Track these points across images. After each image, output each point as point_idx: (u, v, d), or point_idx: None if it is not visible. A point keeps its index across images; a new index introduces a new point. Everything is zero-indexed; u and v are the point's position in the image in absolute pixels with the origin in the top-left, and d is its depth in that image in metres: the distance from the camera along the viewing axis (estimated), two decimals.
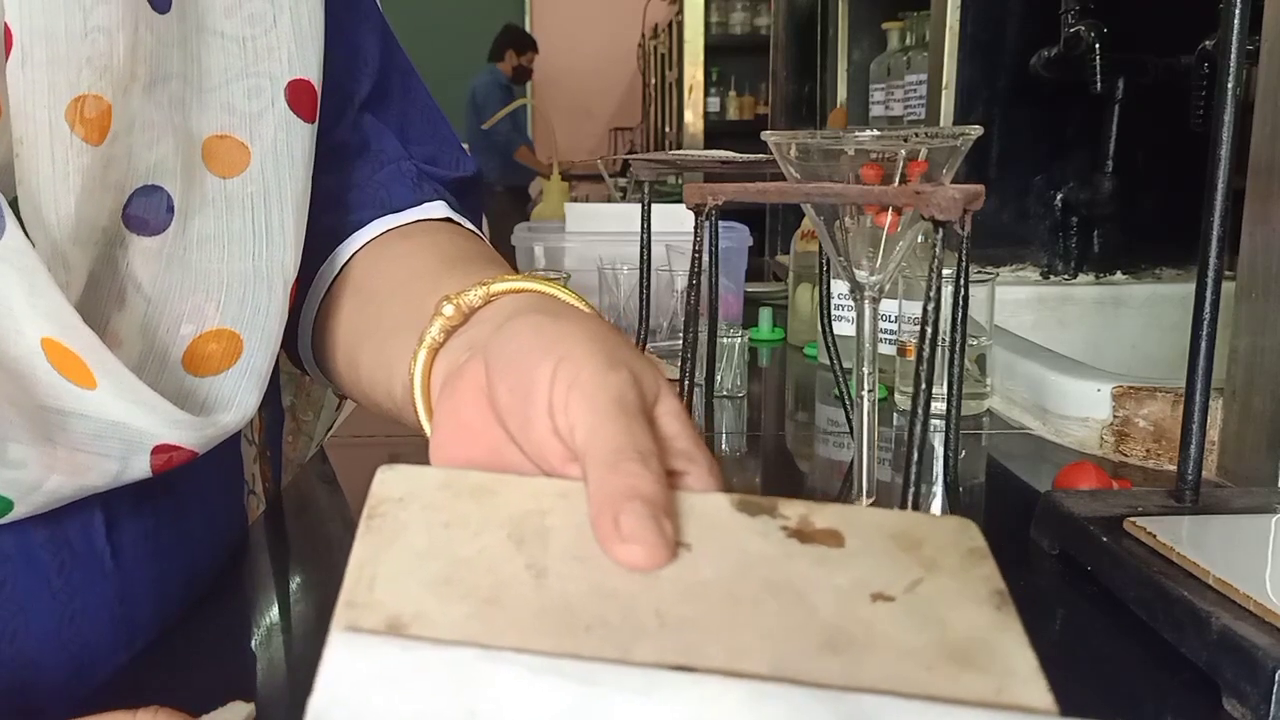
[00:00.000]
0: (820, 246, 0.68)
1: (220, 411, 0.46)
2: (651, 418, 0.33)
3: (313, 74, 0.49)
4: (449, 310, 0.41)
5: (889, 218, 0.57)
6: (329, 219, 0.55)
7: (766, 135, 0.59)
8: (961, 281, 0.56)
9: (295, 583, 0.62)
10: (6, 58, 0.38)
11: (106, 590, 0.47)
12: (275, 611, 0.58)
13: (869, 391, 0.62)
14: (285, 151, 0.48)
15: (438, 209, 0.57)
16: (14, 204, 0.39)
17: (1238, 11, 0.54)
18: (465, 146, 0.64)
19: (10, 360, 0.39)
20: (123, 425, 0.41)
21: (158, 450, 0.43)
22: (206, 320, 0.46)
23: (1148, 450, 0.81)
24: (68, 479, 0.41)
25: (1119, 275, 1.29)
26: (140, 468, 0.43)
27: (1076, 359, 0.94)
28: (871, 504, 0.66)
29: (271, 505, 0.70)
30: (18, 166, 0.39)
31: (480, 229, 0.59)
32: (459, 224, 0.57)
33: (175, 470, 0.44)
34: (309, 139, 0.49)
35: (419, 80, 0.63)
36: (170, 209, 0.44)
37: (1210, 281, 0.56)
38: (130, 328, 0.44)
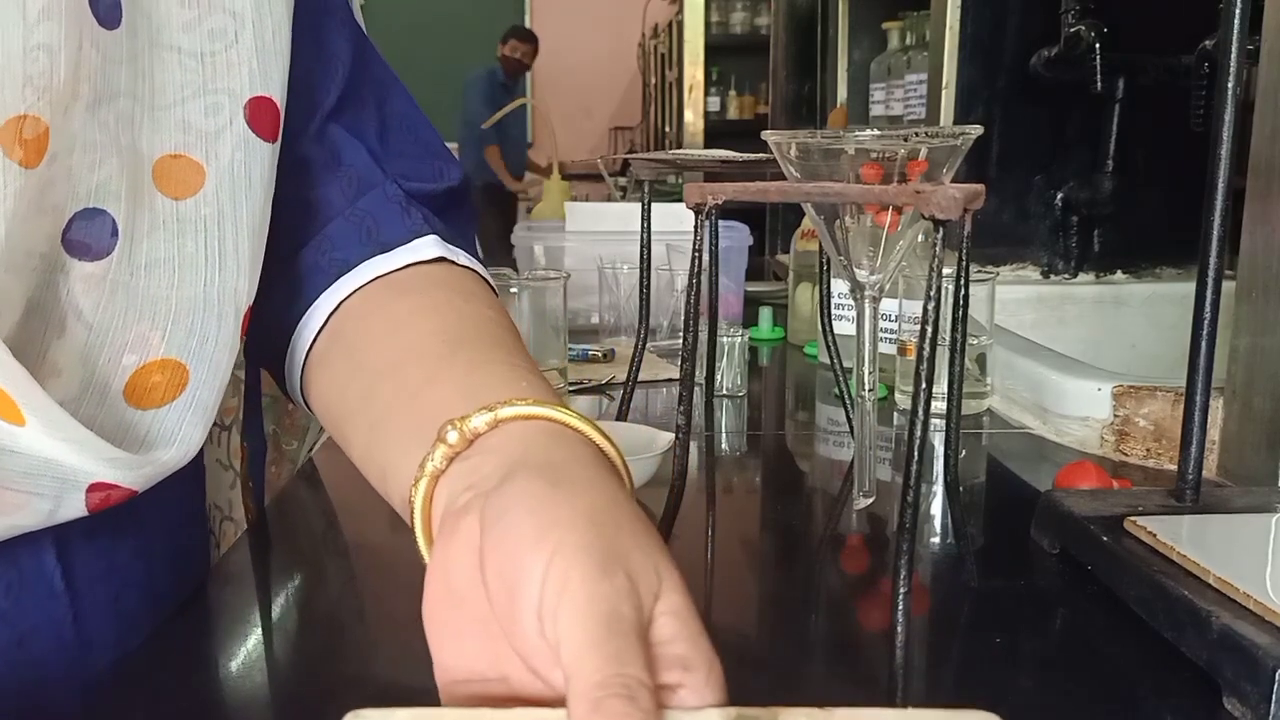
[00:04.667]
0: (820, 246, 0.68)
1: (161, 448, 0.44)
2: (650, 618, 0.31)
3: (275, 92, 0.47)
4: (453, 438, 0.38)
5: (889, 217, 0.57)
6: (313, 255, 0.52)
7: (766, 135, 0.59)
8: (961, 281, 0.56)
9: (277, 602, 0.60)
10: None
11: (57, 612, 0.46)
12: (256, 631, 0.56)
13: (869, 391, 0.62)
14: (243, 173, 0.46)
15: (429, 246, 0.53)
16: None
17: (1238, 11, 0.54)
18: (454, 147, 0.63)
19: None
20: (55, 463, 0.39)
21: (93, 489, 0.41)
22: (151, 350, 0.44)
23: (1148, 450, 0.81)
24: None
25: (1119, 275, 1.30)
26: (75, 507, 0.41)
27: (1076, 358, 0.94)
28: (871, 504, 0.66)
29: (254, 522, 0.67)
30: None
31: (473, 244, 0.57)
32: (453, 262, 0.54)
33: None
34: (269, 160, 0.47)
35: (400, 88, 0.60)
36: (115, 232, 0.42)
37: (1210, 281, 0.56)
38: (70, 357, 0.42)
